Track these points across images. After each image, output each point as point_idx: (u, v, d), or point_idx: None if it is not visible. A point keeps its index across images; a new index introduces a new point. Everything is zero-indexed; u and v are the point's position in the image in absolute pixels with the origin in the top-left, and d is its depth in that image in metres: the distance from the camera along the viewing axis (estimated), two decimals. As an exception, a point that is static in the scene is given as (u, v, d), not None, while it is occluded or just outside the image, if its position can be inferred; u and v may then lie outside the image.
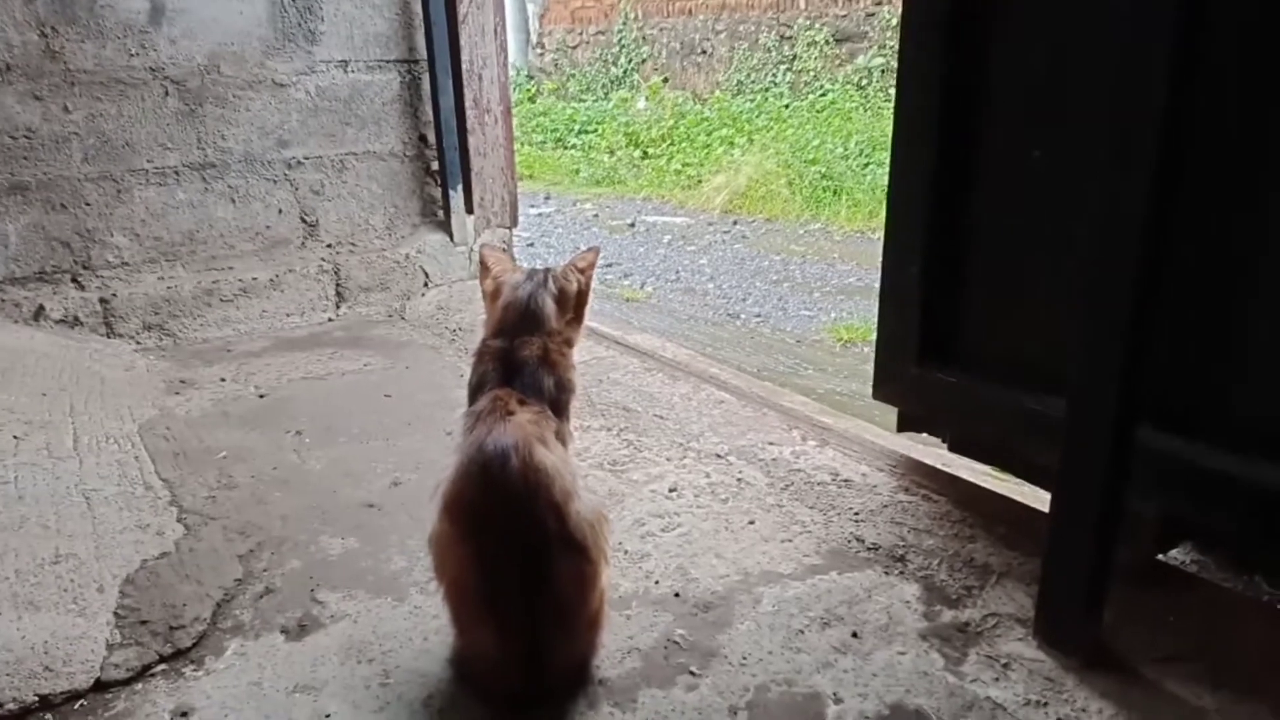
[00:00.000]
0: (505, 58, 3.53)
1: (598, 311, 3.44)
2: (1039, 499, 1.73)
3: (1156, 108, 1.15)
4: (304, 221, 3.34)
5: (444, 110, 3.42)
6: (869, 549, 1.72)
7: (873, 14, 10.05)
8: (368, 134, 3.40)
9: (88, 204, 2.94)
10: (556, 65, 14.33)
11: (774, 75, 11.03)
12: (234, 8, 3.03)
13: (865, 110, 9.44)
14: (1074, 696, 1.31)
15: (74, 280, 2.97)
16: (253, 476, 2.06)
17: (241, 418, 2.41)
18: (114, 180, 2.97)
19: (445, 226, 3.59)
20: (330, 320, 3.34)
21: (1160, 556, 1.64)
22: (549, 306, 1.38)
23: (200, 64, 3.02)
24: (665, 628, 1.49)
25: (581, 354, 1.51)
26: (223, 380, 2.69)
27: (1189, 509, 1.47)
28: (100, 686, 1.36)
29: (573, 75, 13.91)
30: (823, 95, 10.16)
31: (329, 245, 3.40)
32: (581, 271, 1.43)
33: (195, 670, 1.41)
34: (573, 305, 1.42)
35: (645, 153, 10.21)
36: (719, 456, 2.13)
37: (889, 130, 1.84)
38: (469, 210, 3.57)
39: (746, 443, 2.20)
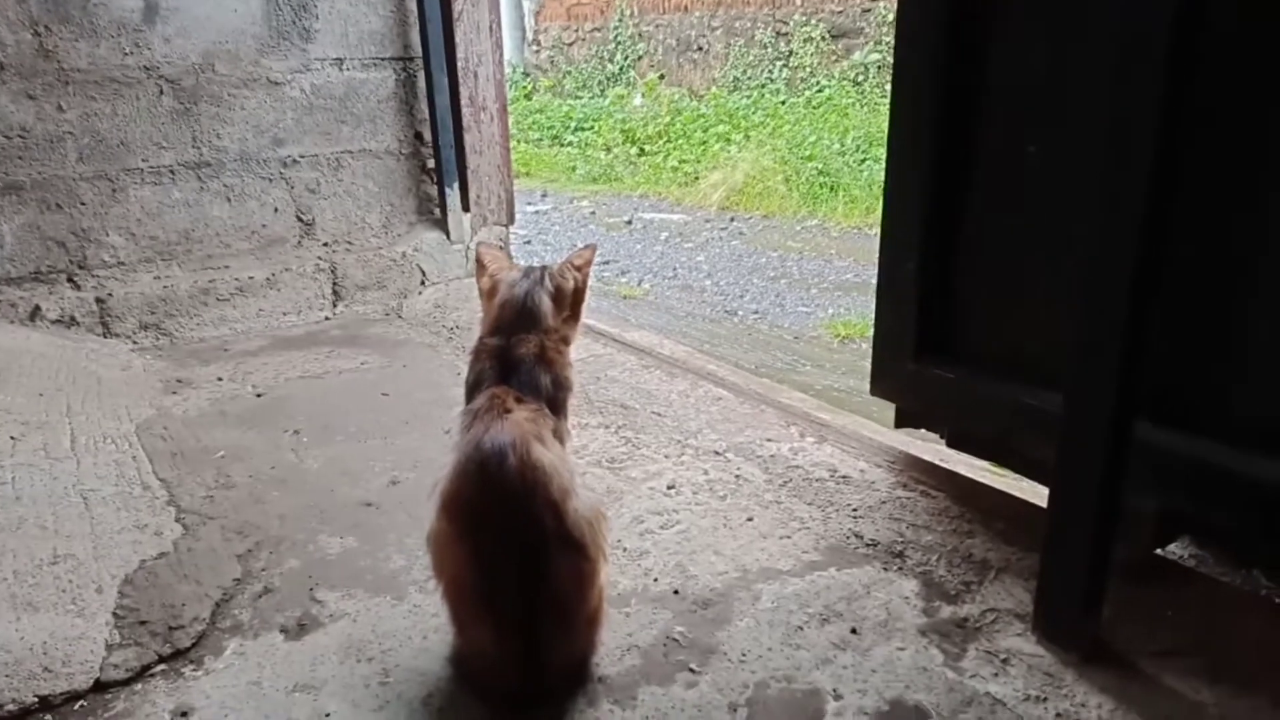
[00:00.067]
0: (501, 55, 3.52)
1: (595, 309, 3.44)
2: (1037, 494, 1.73)
3: (1155, 106, 1.15)
4: (300, 220, 3.33)
5: (439, 108, 3.41)
6: (868, 545, 1.72)
7: (868, 9, 10.05)
8: (363, 132, 3.39)
9: (83, 203, 2.93)
10: (552, 62, 14.31)
11: (770, 71, 11.03)
12: (228, 6, 3.02)
13: (862, 106, 9.43)
14: (1073, 691, 1.31)
15: (70, 280, 2.96)
16: (250, 476, 2.05)
17: (239, 417, 2.40)
18: (109, 179, 2.96)
19: (442, 224, 3.59)
20: (327, 319, 3.34)
21: (1159, 551, 1.65)
22: (546, 304, 1.38)
23: (195, 62, 3.01)
24: (664, 625, 1.49)
25: (579, 351, 1.50)
26: (220, 379, 2.69)
27: (1187, 504, 1.47)
28: (100, 687, 1.36)
29: (569, 72, 13.90)
30: (819, 91, 10.16)
31: (325, 244, 3.39)
32: (578, 269, 1.43)
33: (194, 670, 1.41)
34: (569, 303, 1.42)
35: (642, 150, 10.20)
36: (717, 453, 2.13)
37: (885, 126, 1.84)
38: (465, 208, 3.57)
39: (745, 439, 2.20)
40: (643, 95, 11.63)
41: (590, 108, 12.17)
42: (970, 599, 1.54)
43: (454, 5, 3.30)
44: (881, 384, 1.99)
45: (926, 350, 1.86)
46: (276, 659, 1.43)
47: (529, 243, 7.04)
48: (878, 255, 1.92)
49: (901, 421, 2.02)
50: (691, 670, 1.38)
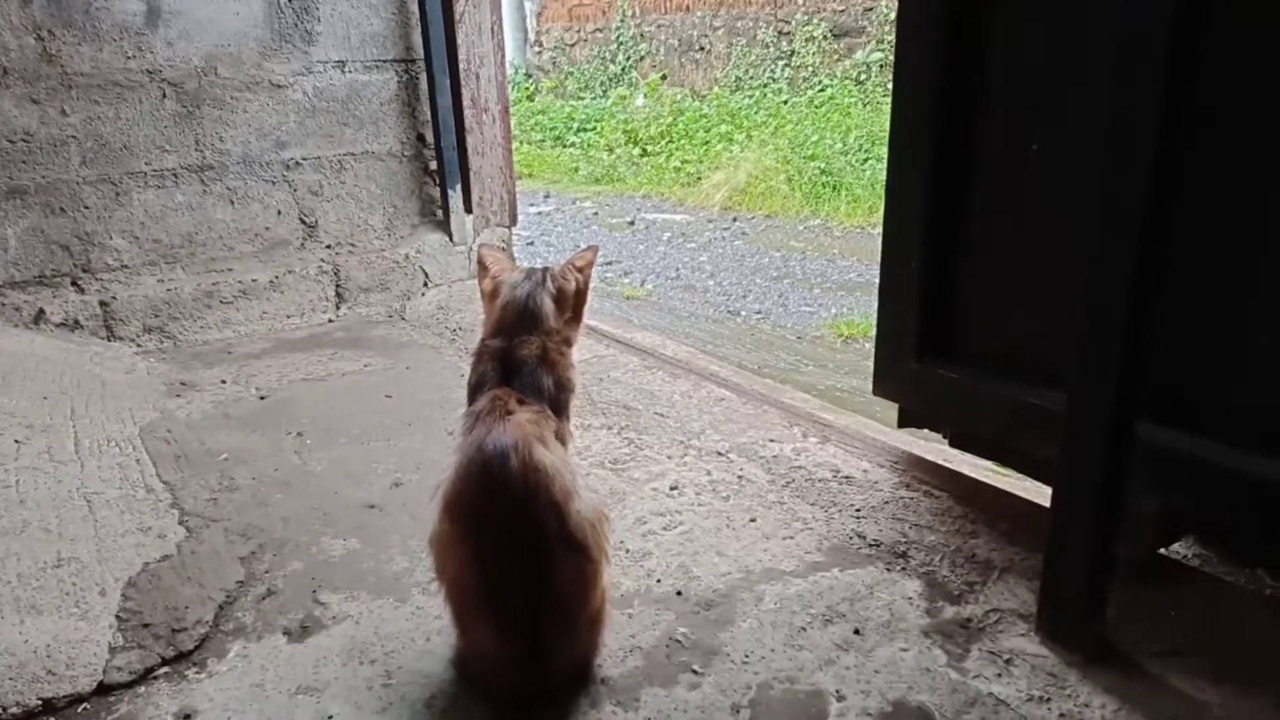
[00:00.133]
0: (503, 56, 3.52)
1: (598, 309, 3.44)
2: (1041, 494, 1.73)
3: (1155, 106, 1.15)
4: (303, 222, 3.34)
5: (442, 110, 3.41)
6: (871, 545, 1.72)
7: (870, 8, 10.04)
8: (366, 134, 3.40)
9: (86, 207, 2.94)
10: (555, 63, 14.32)
11: (772, 71, 11.02)
12: (230, 9, 3.03)
13: (864, 105, 9.42)
14: (1077, 692, 1.31)
15: (74, 284, 2.97)
16: (254, 478, 2.06)
17: (242, 419, 2.41)
18: (112, 183, 2.97)
19: (444, 226, 3.59)
20: (330, 321, 3.35)
21: (1162, 551, 1.64)
22: (547, 306, 1.38)
23: (197, 66, 3.01)
24: (667, 626, 1.49)
25: (582, 352, 1.51)
26: (223, 382, 2.69)
27: (1189, 504, 1.47)
28: (103, 689, 1.36)
29: (571, 73, 13.90)
30: (821, 91, 10.15)
31: (328, 246, 3.40)
32: (580, 270, 1.43)
33: (198, 672, 1.41)
34: (571, 304, 1.41)
35: (644, 150, 10.20)
36: (720, 454, 2.13)
37: (888, 125, 1.84)
38: (468, 210, 3.57)
39: (747, 440, 2.20)
40: (645, 96, 11.62)
41: (592, 108, 12.17)
42: (974, 599, 1.54)
43: (455, 7, 3.31)
44: (884, 384, 1.99)
45: (929, 350, 1.85)
46: (279, 661, 1.43)
47: (532, 244, 7.05)
48: (880, 255, 1.92)
49: (904, 421, 2.02)
50: (694, 671, 1.38)
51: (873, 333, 2.02)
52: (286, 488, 2.02)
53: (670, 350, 3.03)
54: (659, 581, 1.63)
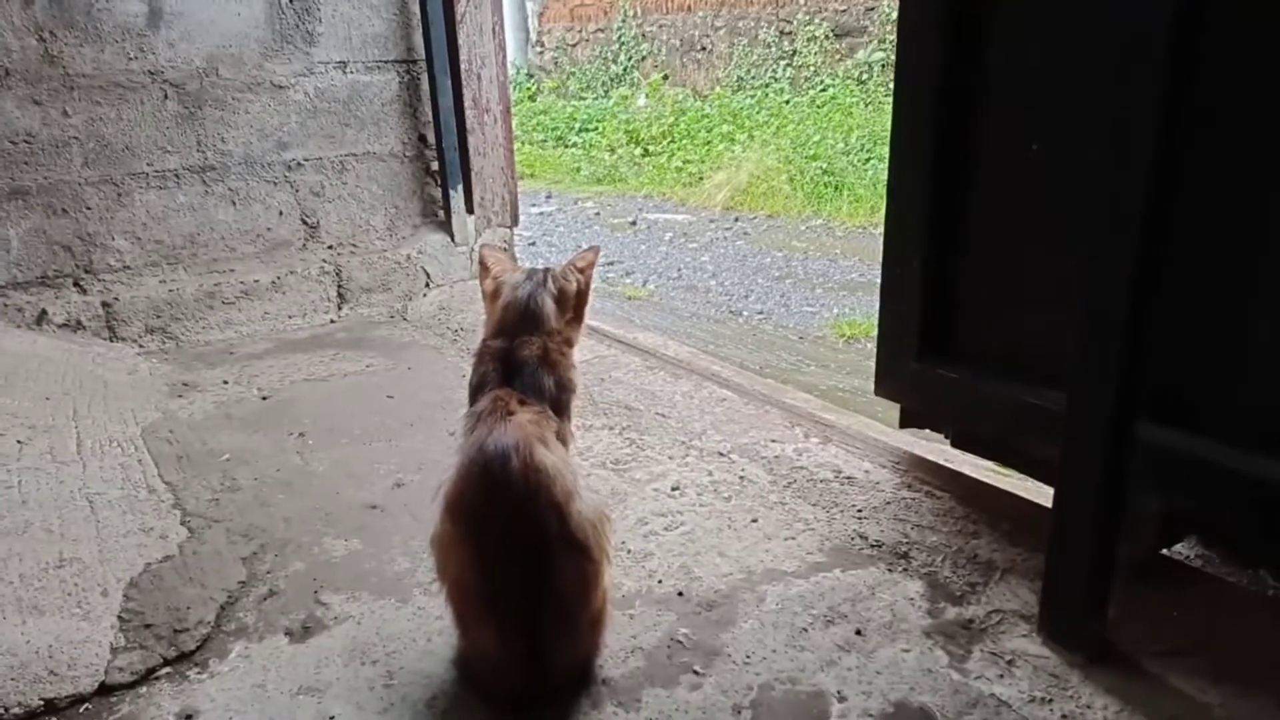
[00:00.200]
0: (504, 56, 3.53)
1: (599, 310, 3.44)
2: (1043, 495, 1.73)
3: (1155, 106, 1.15)
4: (305, 223, 3.34)
5: (443, 110, 3.41)
6: (872, 546, 1.72)
7: (872, 8, 10.04)
8: (367, 135, 3.40)
9: (88, 208, 2.94)
10: (556, 63, 14.32)
11: (774, 71, 11.02)
12: (231, 10, 3.03)
13: (866, 105, 9.42)
14: (1079, 692, 1.31)
15: (76, 284, 2.97)
16: (256, 479, 2.06)
17: (244, 420, 2.41)
18: (114, 184, 2.97)
19: (446, 227, 3.60)
20: (332, 321, 3.35)
21: (1164, 551, 1.64)
22: (549, 306, 1.38)
23: (199, 67, 3.02)
24: (669, 627, 1.49)
25: (583, 352, 1.51)
26: (225, 383, 2.69)
27: (1190, 504, 1.47)
28: (105, 690, 1.37)
29: (573, 73, 13.91)
30: (823, 90, 10.15)
31: (330, 246, 3.40)
32: (581, 271, 1.43)
33: (199, 673, 1.41)
34: (573, 305, 1.42)
35: (646, 150, 10.20)
36: (721, 454, 2.13)
37: (890, 125, 1.84)
38: (469, 210, 3.57)
39: (749, 440, 2.20)
40: (647, 96, 11.63)
41: (594, 109, 12.17)
42: (975, 600, 1.54)
43: (457, 7, 3.31)
44: (885, 384, 1.99)
45: (930, 350, 1.85)
46: (281, 662, 1.43)
47: (533, 244, 7.05)
48: (881, 255, 1.92)
49: (906, 422, 2.02)
50: (696, 672, 1.38)
51: (874, 333, 2.02)
52: (288, 488, 2.02)
53: (672, 350, 3.03)
54: (660, 582, 1.63)
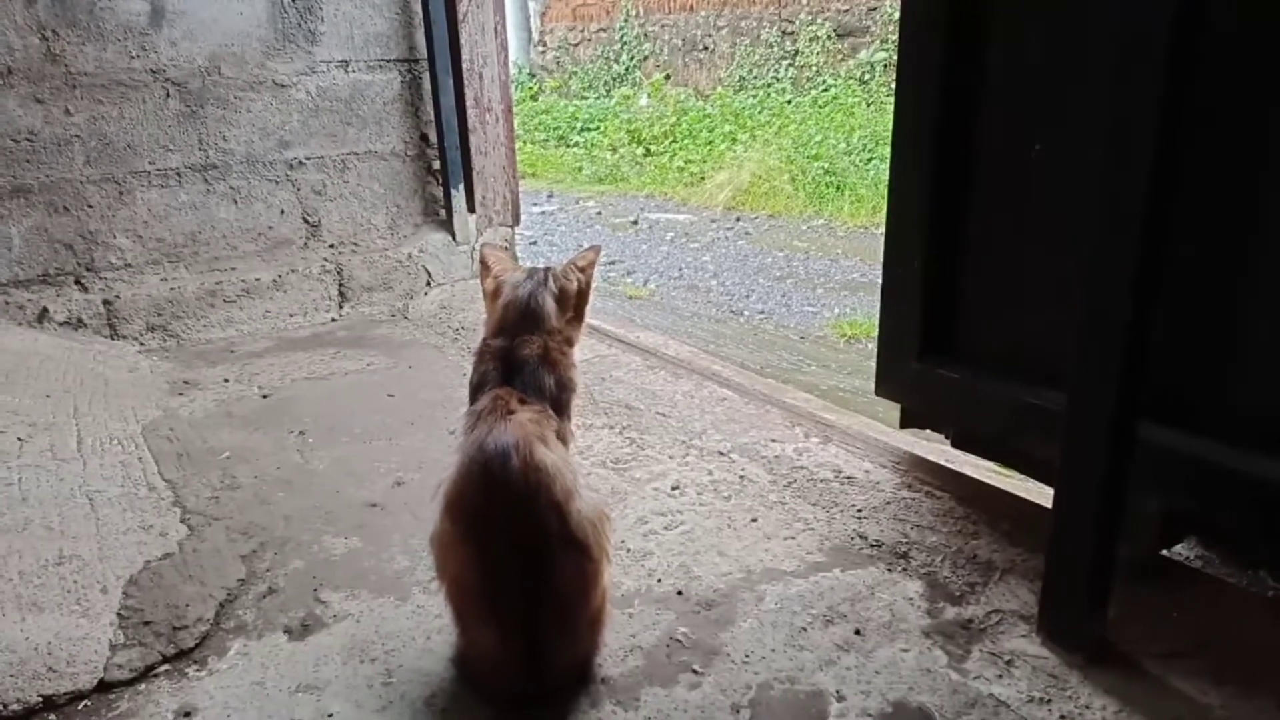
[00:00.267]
0: (506, 56, 3.53)
1: (600, 309, 3.44)
2: (1043, 495, 1.73)
3: (1155, 106, 1.15)
4: (306, 222, 3.35)
5: (445, 109, 3.42)
6: (872, 546, 1.72)
7: (874, 8, 10.03)
8: (369, 134, 3.40)
9: (90, 206, 2.95)
10: (558, 63, 14.33)
11: (776, 71, 11.01)
12: (234, 9, 3.03)
13: (868, 105, 9.41)
14: (1078, 693, 1.31)
15: (77, 282, 2.97)
16: (256, 477, 2.06)
17: (245, 418, 2.41)
18: (116, 182, 2.97)
19: (447, 225, 3.60)
20: (333, 320, 3.35)
21: (1164, 552, 1.64)
22: (549, 305, 1.38)
23: (201, 65, 3.02)
24: (668, 626, 1.49)
25: (584, 351, 1.51)
26: (226, 381, 2.70)
27: (1190, 504, 1.47)
28: (104, 687, 1.37)
29: (575, 73, 13.91)
30: (825, 90, 10.14)
31: (331, 245, 3.40)
32: (582, 270, 1.43)
33: (198, 670, 1.41)
34: (573, 304, 1.42)
35: (648, 150, 10.20)
36: (722, 454, 2.13)
37: (891, 125, 1.84)
38: (471, 209, 3.57)
39: (749, 440, 2.20)
40: (649, 95, 11.62)
41: (596, 108, 12.17)
42: (975, 600, 1.54)
43: (459, 7, 3.31)
44: (886, 384, 1.99)
45: (930, 350, 1.85)
46: (280, 659, 1.44)
47: (535, 243, 7.05)
48: (882, 255, 1.92)
49: (906, 422, 2.02)
50: (694, 671, 1.38)
51: (875, 333, 2.02)
52: (288, 486, 2.02)
53: (672, 350, 3.03)
54: (660, 581, 1.63)
